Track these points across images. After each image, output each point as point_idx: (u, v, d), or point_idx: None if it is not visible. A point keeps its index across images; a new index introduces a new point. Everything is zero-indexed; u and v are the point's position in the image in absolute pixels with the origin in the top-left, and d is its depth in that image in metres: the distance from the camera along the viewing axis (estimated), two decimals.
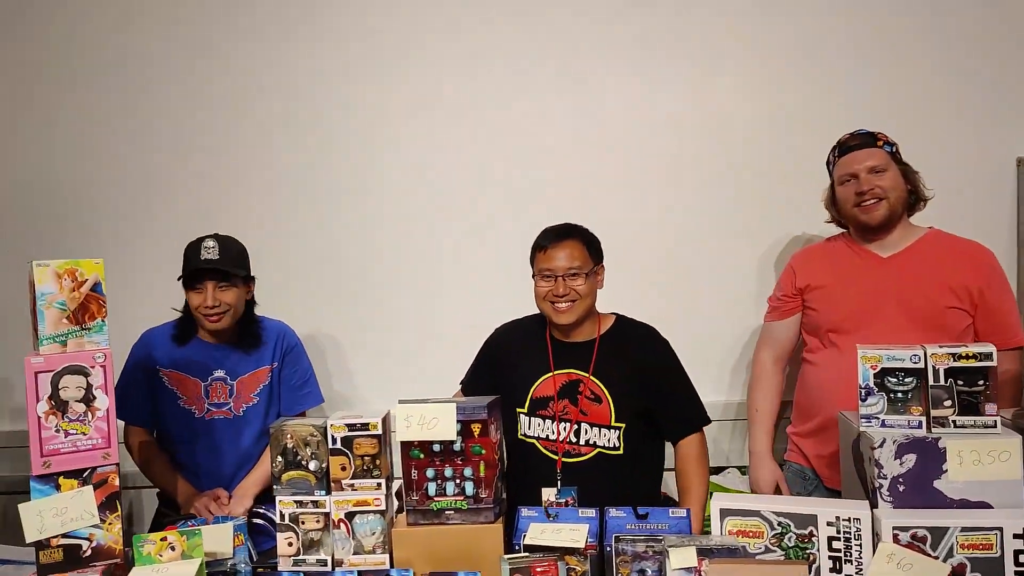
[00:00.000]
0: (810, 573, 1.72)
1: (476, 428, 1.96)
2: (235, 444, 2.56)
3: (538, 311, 2.39)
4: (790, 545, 1.76)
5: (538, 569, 1.84)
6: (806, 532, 1.75)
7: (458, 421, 1.94)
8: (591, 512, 1.99)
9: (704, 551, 1.73)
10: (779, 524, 1.77)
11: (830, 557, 1.74)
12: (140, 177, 3.14)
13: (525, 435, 2.33)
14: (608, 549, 1.90)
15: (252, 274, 2.62)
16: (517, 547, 1.93)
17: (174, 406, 2.53)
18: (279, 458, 1.98)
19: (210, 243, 2.51)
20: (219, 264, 2.47)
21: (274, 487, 1.98)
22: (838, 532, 1.73)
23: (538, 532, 1.93)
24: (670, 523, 1.93)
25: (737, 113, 3.11)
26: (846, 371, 2.45)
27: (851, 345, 2.42)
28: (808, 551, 1.75)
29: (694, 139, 3.12)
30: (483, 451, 1.96)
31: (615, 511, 1.98)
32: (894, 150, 2.52)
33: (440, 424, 1.94)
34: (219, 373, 2.57)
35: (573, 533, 1.91)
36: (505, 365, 2.41)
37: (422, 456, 1.97)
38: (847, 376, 2.44)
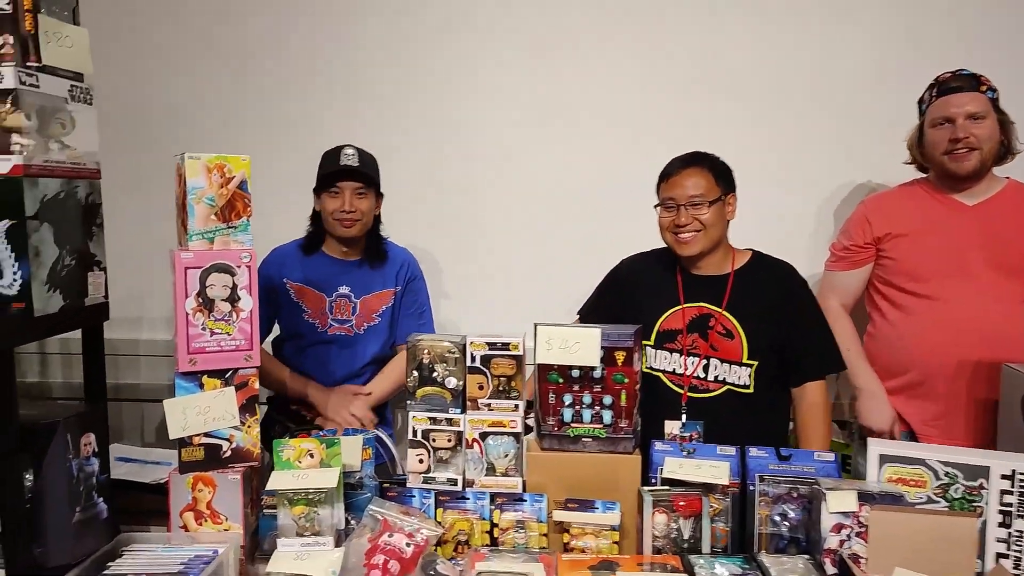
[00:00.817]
0: None
1: (620, 356, 1.89)
2: (349, 361, 2.54)
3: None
4: (956, 496, 1.68)
5: (681, 503, 1.79)
6: (976, 484, 1.67)
7: (602, 347, 1.88)
8: (731, 450, 1.92)
9: (864, 496, 1.66)
10: (946, 474, 1.69)
11: (1000, 511, 1.66)
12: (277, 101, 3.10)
13: (651, 368, 2.27)
14: (751, 488, 1.84)
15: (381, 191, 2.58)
16: (653, 480, 1.89)
17: (298, 319, 2.51)
18: (414, 372, 1.94)
19: (350, 150, 2.49)
20: (359, 168, 2.44)
21: (407, 402, 1.94)
22: (1012, 486, 1.65)
23: (676, 466, 1.87)
24: (816, 466, 1.86)
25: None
26: (942, 321, 2.36)
27: (943, 294, 2.33)
28: (976, 504, 1.67)
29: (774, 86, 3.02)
30: (625, 380, 1.90)
31: (756, 450, 1.91)
32: (995, 96, 2.36)
33: (583, 349, 1.87)
34: (344, 289, 2.55)
35: (714, 470, 1.85)
36: (631, 296, 2.33)
37: (560, 381, 1.91)
38: (944, 326, 2.35)
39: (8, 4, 1.37)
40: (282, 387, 2.53)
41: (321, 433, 1.95)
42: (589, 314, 2.42)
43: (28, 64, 1.38)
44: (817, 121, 3.02)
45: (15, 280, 1.37)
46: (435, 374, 1.93)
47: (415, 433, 1.93)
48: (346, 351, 2.53)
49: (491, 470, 1.90)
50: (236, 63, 3.15)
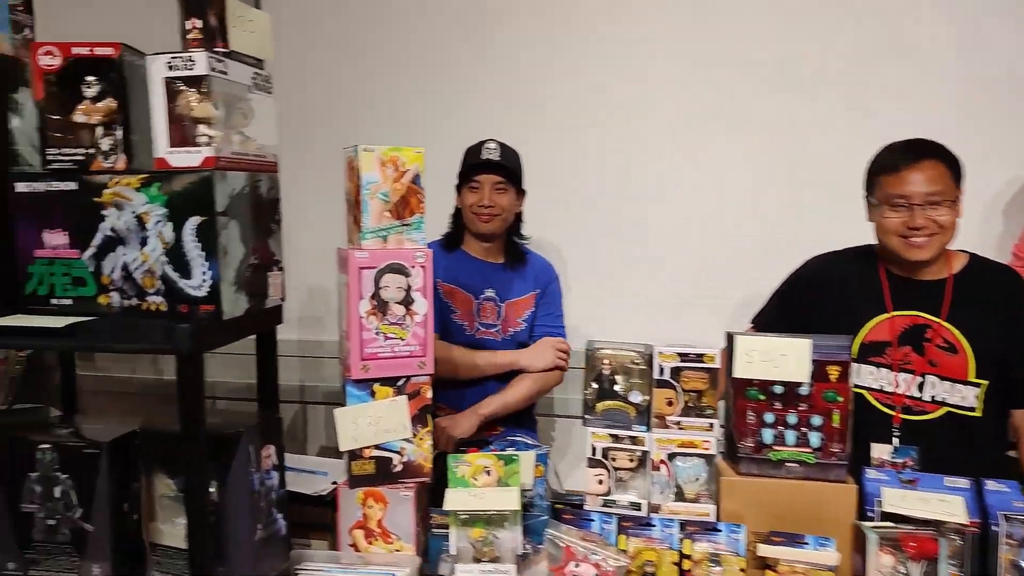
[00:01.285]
0: None
1: (834, 371, 1.66)
2: None
3: (859, 245, 2.06)
4: None
5: (911, 543, 1.55)
6: None
7: (812, 361, 1.66)
8: (963, 482, 1.66)
9: None
10: None
11: None
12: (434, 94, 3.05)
13: (855, 384, 2.01)
14: (993, 529, 1.57)
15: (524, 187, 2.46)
16: (869, 513, 1.65)
17: (447, 319, 2.40)
18: (592, 384, 1.77)
19: (492, 144, 2.39)
20: (500, 162, 2.33)
21: (584, 416, 1.77)
22: None
23: (898, 498, 1.63)
24: None
25: None
26: None
27: None
28: None
29: None
30: (839, 398, 1.66)
31: (995, 483, 1.64)
32: None
33: (791, 362, 1.66)
34: (489, 292, 2.44)
35: (947, 505, 1.60)
36: (824, 302, 2.08)
37: (761, 398, 1.70)
38: None
39: None
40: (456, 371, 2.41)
41: (491, 448, 1.81)
42: (769, 323, 2.17)
43: (216, 50, 1.29)
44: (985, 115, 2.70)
45: (204, 281, 1.28)
46: (617, 387, 1.75)
47: (594, 451, 1.75)
48: None
49: (679, 494, 1.71)
50: (403, 55, 3.08)
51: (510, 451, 1.75)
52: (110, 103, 1.35)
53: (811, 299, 2.11)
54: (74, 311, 1.34)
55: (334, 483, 1.88)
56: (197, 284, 1.29)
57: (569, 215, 2.98)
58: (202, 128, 1.30)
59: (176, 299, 1.30)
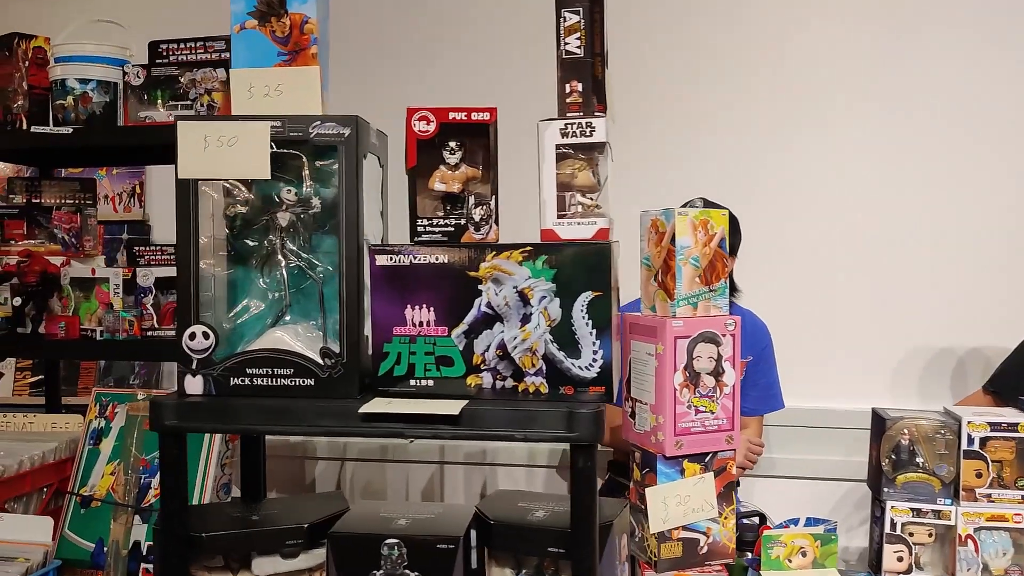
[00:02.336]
0: None
1: None
2: None
3: None
4: None
5: None
6: None
7: None
8: None
9: None
10: None
11: None
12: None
13: None
14: None
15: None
16: None
17: None
18: (891, 455, 1.68)
19: (698, 202, 2.28)
20: None
21: (884, 489, 1.68)
22: None
23: None
24: None
25: None
26: None
27: None
28: None
29: None
30: None
31: None
32: None
33: None
34: None
35: None
36: None
37: None
38: None
39: (579, 47, 1.22)
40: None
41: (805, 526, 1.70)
42: (1002, 386, 2.10)
43: (595, 114, 1.22)
44: None
45: (595, 360, 1.19)
46: (918, 458, 1.67)
47: (894, 526, 1.66)
48: None
49: (985, 569, 1.62)
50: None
51: (822, 527, 1.66)
52: (468, 170, 1.28)
53: None
54: (437, 393, 1.24)
55: None
56: (586, 364, 1.20)
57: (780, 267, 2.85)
58: (579, 197, 1.22)
59: (560, 380, 1.21)
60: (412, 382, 1.25)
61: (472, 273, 1.22)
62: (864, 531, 2.20)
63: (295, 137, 1.24)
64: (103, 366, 3.07)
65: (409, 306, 1.25)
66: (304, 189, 1.31)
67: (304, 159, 1.29)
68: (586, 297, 1.20)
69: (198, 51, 2.08)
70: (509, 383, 1.23)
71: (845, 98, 2.79)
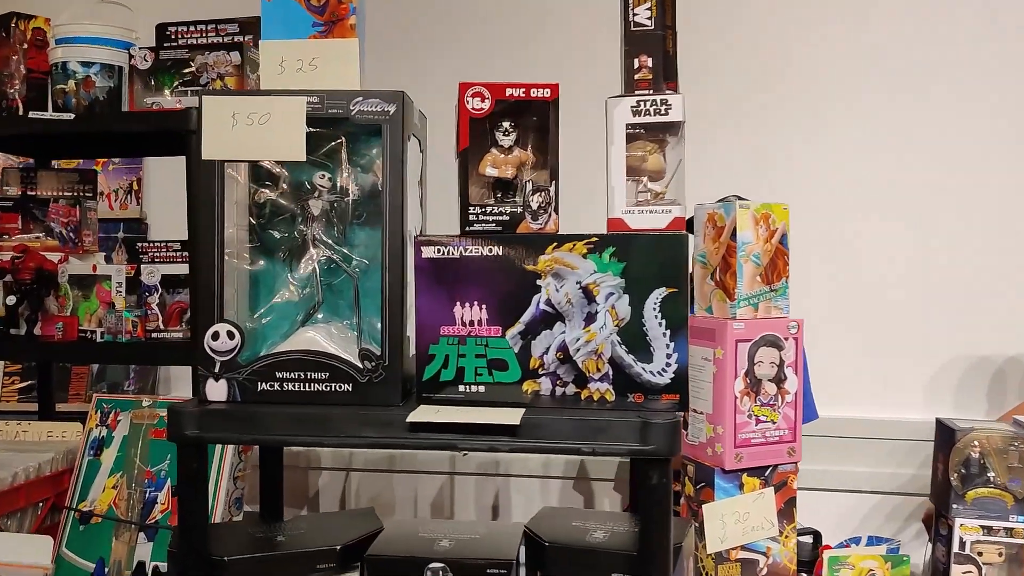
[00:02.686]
0: None
1: None
2: None
3: None
4: None
5: None
6: None
7: None
8: None
9: None
10: None
11: None
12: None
13: None
14: None
15: None
16: None
17: None
18: (960, 469, 1.57)
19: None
20: None
21: (952, 506, 1.57)
22: None
23: None
24: None
25: None
26: None
27: None
28: None
29: None
30: None
31: None
32: None
33: None
34: None
35: None
36: None
37: None
38: None
39: (649, 19, 1.10)
40: None
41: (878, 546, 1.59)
42: None
43: (666, 91, 1.10)
44: None
45: (668, 365, 1.06)
46: (990, 473, 1.56)
47: (963, 545, 1.55)
48: None
49: None
50: None
51: (884, 547, 1.54)
52: (522, 154, 1.16)
53: None
54: (488, 400, 1.11)
55: None
56: (659, 369, 1.08)
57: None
58: (649, 183, 1.10)
59: (628, 386, 1.09)
60: (461, 388, 1.13)
61: (530, 267, 1.10)
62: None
63: (334, 115, 1.12)
64: (96, 371, 2.92)
65: (459, 303, 1.12)
66: (343, 174, 1.18)
67: (344, 140, 1.16)
68: (659, 294, 1.07)
69: (209, 34, 1.96)
70: (571, 390, 1.10)
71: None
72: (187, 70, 1.89)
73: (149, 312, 1.82)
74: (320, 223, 1.22)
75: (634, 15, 1.11)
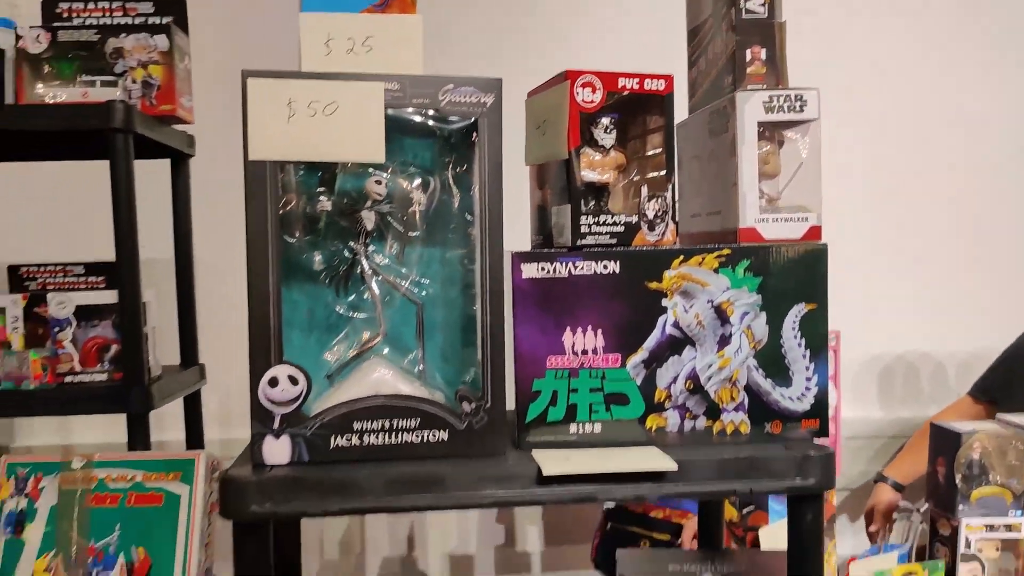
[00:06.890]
0: None
1: None
2: None
3: None
4: None
5: None
6: None
7: None
8: None
9: None
10: None
11: None
12: None
13: None
14: None
15: None
16: None
17: None
18: (964, 470, 1.59)
19: None
20: None
21: (958, 507, 1.59)
22: None
23: None
24: None
25: None
26: None
27: None
28: None
29: None
30: None
31: None
32: None
33: None
34: None
35: None
36: None
37: None
38: None
39: (762, 5, 0.99)
40: None
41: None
42: (995, 392, 2.10)
43: (778, 89, 1.00)
44: None
45: (808, 389, 0.96)
46: (989, 472, 1.59)
47: (968, 544, 1.57)
48: None
49: None
50: None
51: (895, 552, 1.52)
52: (617, 155, 1.01)
53: None
54: (605, 440, 0.95)
55: None
56: (798, 394, 0.97)
57: None
58: (765, 187, 1.00)
59: (765, 415, 0.97)
60: (572, 428, 0.96)
61: (654, 285, 0.96)
62: None
63: (419, 104, 0.91)
64: None
65: (569, 330, 0.95)
66: (414, 180, 0.98)
67: (436, 139, 0.96)
68: (799, 311, 0.97)
69: (114, 13, 1.64)
70: (701, 423, 0.97)
71: None
72: (92, 55, 1.56)
73: (61, 351, 1.47)
74: (373, 238, 1.01)
75: (746, 2, 1.00)
